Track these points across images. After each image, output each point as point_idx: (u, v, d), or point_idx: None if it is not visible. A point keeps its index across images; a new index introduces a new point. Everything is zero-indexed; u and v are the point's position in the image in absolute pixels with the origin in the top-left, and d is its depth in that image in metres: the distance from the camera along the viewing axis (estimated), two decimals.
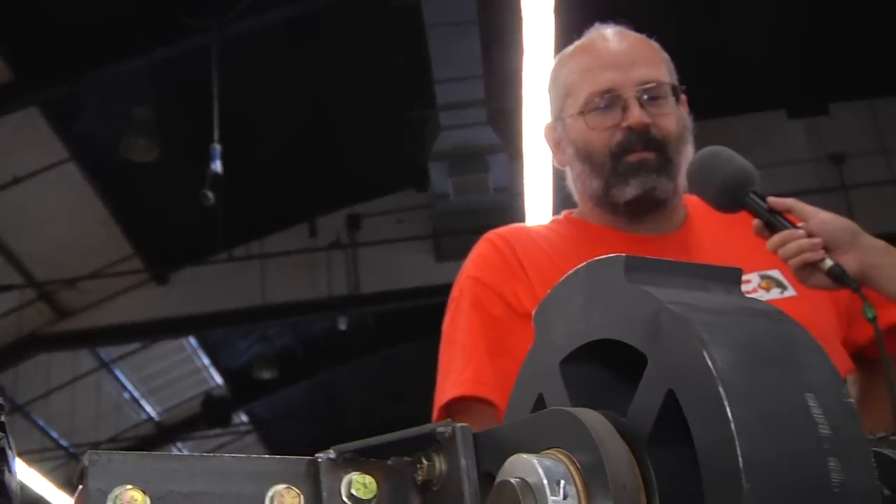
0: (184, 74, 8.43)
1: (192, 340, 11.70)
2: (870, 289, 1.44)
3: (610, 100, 1.64)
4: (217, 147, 7.01)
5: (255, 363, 11.71)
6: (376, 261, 10.59)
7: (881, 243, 1.46)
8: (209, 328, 10.93)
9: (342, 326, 10.89)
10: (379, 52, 8.71)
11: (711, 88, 8.26)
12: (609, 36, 1.74)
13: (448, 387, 1.54)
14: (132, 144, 8.33)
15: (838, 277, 1.41)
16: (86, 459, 0.67)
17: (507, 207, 9.57)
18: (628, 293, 0.64)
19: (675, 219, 1.72)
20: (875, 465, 0.58)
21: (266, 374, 11.65)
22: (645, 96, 1.64)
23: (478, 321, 1.59)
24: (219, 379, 12.63)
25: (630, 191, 1.62)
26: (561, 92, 1.73)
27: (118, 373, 11.63)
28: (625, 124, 1.62)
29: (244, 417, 13.78)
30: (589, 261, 0.69)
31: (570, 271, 0.71)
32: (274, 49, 8.70)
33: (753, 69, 9.65)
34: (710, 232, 1.70)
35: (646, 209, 1.65)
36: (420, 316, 10.88)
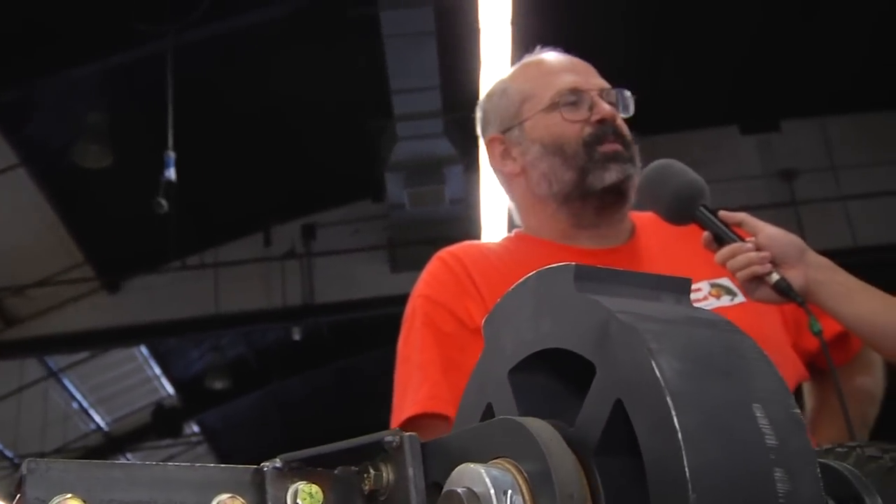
0: (138, 81, 8.35)
1: (144, 349, 11.55)
2: (812, 304, 1.46)
3: (577, 97, 1.67)
4: (171, 154, 6.95)
5: (208, 373, 11.59)
6: (331, 271, 10.55)
7: (826, 261, 1.49)
8: (161, 337, 10.80)
9: (296, 336, 10.82)
10: (336, 62, 8.69)
11: (664, 104, 8.35)
12: (556, 53, 1.79)
13: (405, 405, 1.54)
14: (85, 150, 8.23)
15: (784, 291, 1.43)
16: (24, 468, 0.65)
17: (463, 219, 9.59)
18: (577, 302, 0.63)
19: (623, 231, 1.73)
20: (821, 477, 0.58)
21: (218, 384, 11.53)
22: (605, 99, 1.68)
23: (431, 339, 1.59)
24: (170, 389, 12.48)
25: (609, 176, 1.64)
26: (515, 100, 1.74)
27: (66, 382, 11.44)
28: (595, 118, 1.66)
29: (195, 428, 13.62)
30: (539, 269, 0.69)
31: (519, 281, 0.71)
32: (230, 57, 8.65)
33: (706, 85, 9.77)
34: (658, 244, 1.72)
35: (612, 202, 1.67)
36: (375, 326, 10.85)
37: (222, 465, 0.73)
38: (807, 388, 1.79)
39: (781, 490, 0.55)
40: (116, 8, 7.44)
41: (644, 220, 1.78)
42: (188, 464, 0.72)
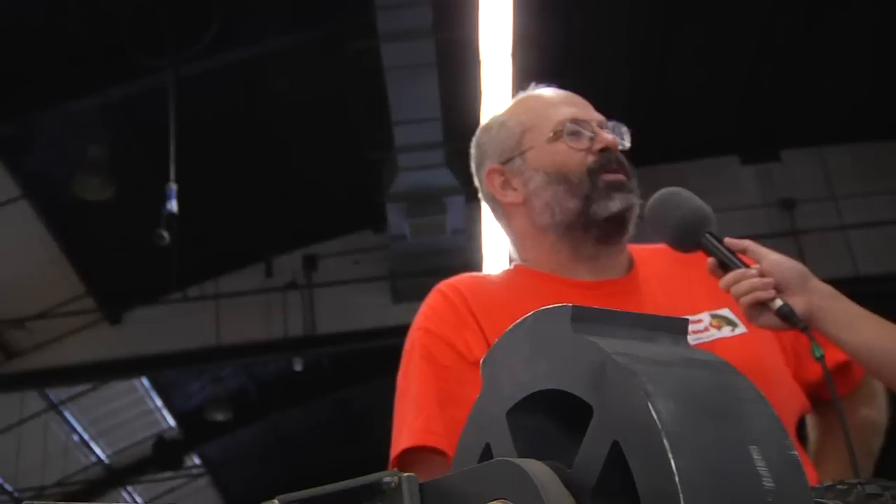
0: (139, 113, 8.39)
1: (145, 381, 11.53)
2: (815, 331, 1.47)
3: (579, 127, 1.68)
4: (173, 186, 6.97)
5: (209, 405, 11.56)
6: (332, 302, 10.54)
7: (829, 288, 1.50)
8: (162, 369, 10.78)
9: (297, 367, 10.80)
10: (337, 94, 8.74)
11: (665, 134, 8.38)
12: (552, 88, 1.82)
13: (401, 439, 1.54)
14: (86, 183, 8.25)
15: (787, 317, 1.44)
16: None
17: (464, 249, 9.59)
18: (574, 343, 0.64)
19: (622, 263, 1.74)
20: None
21: (219, 416, 11.49)
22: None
23: (429, 372, 1.59)
24: (171, 421, 12.43)
25: (614, 205, 1.65)
26: (516, 131, 1.75)
27: (67, 414, 11.41)
28: (598, 146, 1.67)
29: (196, 460, 13.56)
30: (535, 310, 0.69)
31: (517, 321, 0.71)
32: (230, 89, 8.70)
33: (706, 116, 9.81)
34: (656, 276, 1.72)
35: (614, 231, 1.68)
36: (376, 357, 10.82)
37: None
38: (810, 421, 1.79)
39: None
40: (117, 41, 7.49)
41: (643, 252, 1.79)
42: None
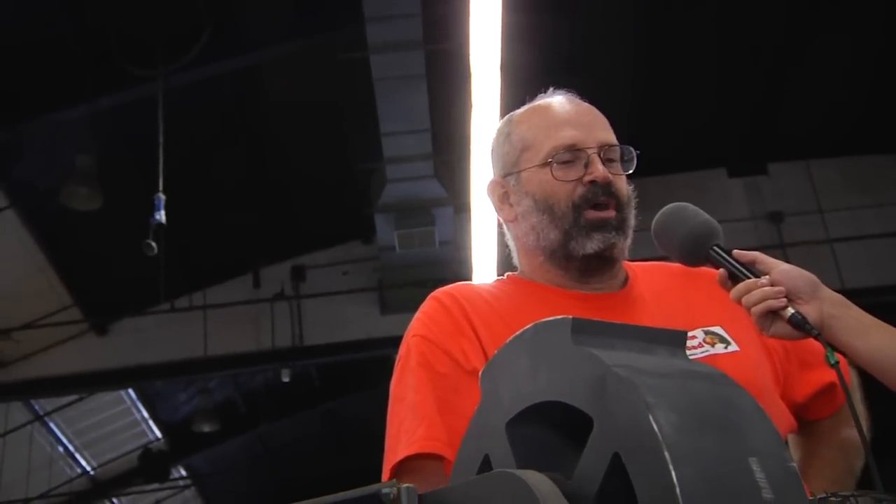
0: (128, 124, 8.37)
1: (131, 392, 11.47)
2: (827, 338, 1.48)
3: (573, 155, 1.67)
4: (161, 197, 6.94)
5: (195, 416, 11.50)
6: (321, 313, 10.52)
7: (839, 296, 1.52)
8: (149, 380, 10.73)
9: (285, 378, 10.77)
10: (326, 105, 8.74)
11: (653, 147, 8.39)
12: (565, 100, 1.78)
13: (398, 447, 1.52)
14: (74, 193, 8.22)
15: (799, 325, 1.45)
16: None
17: (453, 260, 9.60)
18: (574, 355, 0.64)
19: (616, 282, 1.74)
20: None
21: (206, 427, 11.43)
22: (604, 156, 1.68)
23: (426, 379, 1.58)
24: (157, 432, 12.37)
25: (591, 245, 1.64)
26: (517, 147, 1.75)
27: (52, 426, 11.33)
28: (588, 178, 1.66)
29: (183, 471, 13.49)
30: (535, 322, 0.69)
31: (517, 333, 0.71)
32: (220, 100, 8.69)
33: (695, 129, 9.85)
34: (652, 291, 1.73)
35: (598, 266, 1.68)
36: (364, 368, 10.83)
37: None
38: (793, 441, 1.80)
39: None
40: (106, 51, 7.48)
41: (638, 269, 1.79)
42: None
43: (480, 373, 0.73)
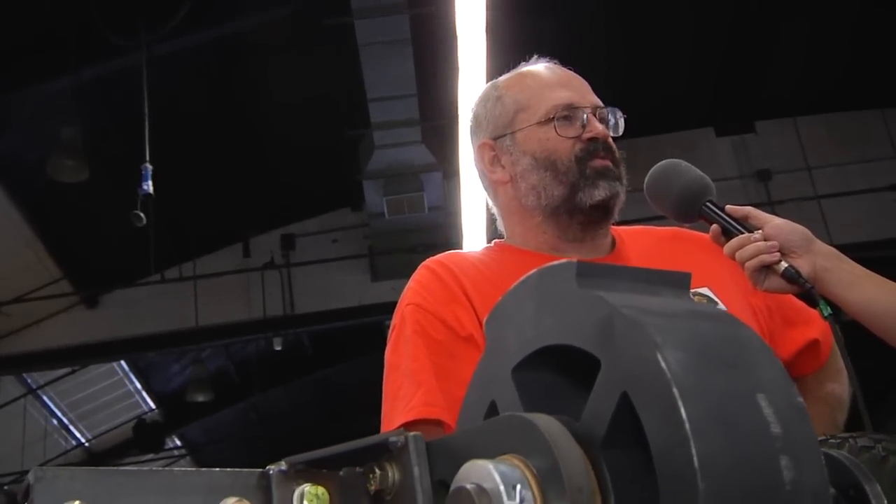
0: (113, 94, 8.31)
1: (124, 364, 11.48)
2: (819, 292, 1.49)
3: (571, 113, 1.69)
4: (149, 167, 6.91)
5: (189, 386, 11.53)
6: (311, 281, 10.53)
7: (832, 249, 1.53)
8: (141, 352, 10.73)
9: (277, 347, 10.79)
10: (312, 72, 8.68)
11: (641, 107, 8.37)
12: (553, 66, 1.81)
13: (397, 413, 1.53)
14: (60, 165, 8.17)
15: (793, 278, 1.46)
16: (31, 476, 0.65)
17: (442, 226, 9.60)
18: (580, 298, 0.64)
19: (606, 244, 1.76)
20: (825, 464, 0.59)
21: (199, 397, 11.46)
22: (597, 117, 1.71)
23: (422, 346, 1.59)
24: (151, 403, 12.41)
25: (599, 193, 1.66)
26: (510, 108, 1.76)
27: (46, 399, 11.35)
28: (588, 135, 1.68)
29: (177, 441, 13.55)
30: (539, 268, 0.69)
31: (520, 279, 0.71)
32: (204, 69, 8.63)
33: (681, 88, 9.83)
34: (638, 255, 1.75)
35: (598, 219, 1.70)
36: (356, 336, 10.84)
37: (228, 470, 0.73)
38: None
39: (787, 477, 0.56)
40: (89, 22, 7.40)
41: (626, 233, 1.81)
42: (193, 469, 0.72)
43: (485, 320, 0.73)
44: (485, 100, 1.83)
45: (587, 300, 0.63)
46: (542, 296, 0.68)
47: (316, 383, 12.61)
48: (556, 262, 0.67)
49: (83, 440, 12.34)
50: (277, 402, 12.83)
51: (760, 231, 1.51)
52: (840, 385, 1.80)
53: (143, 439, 12.32)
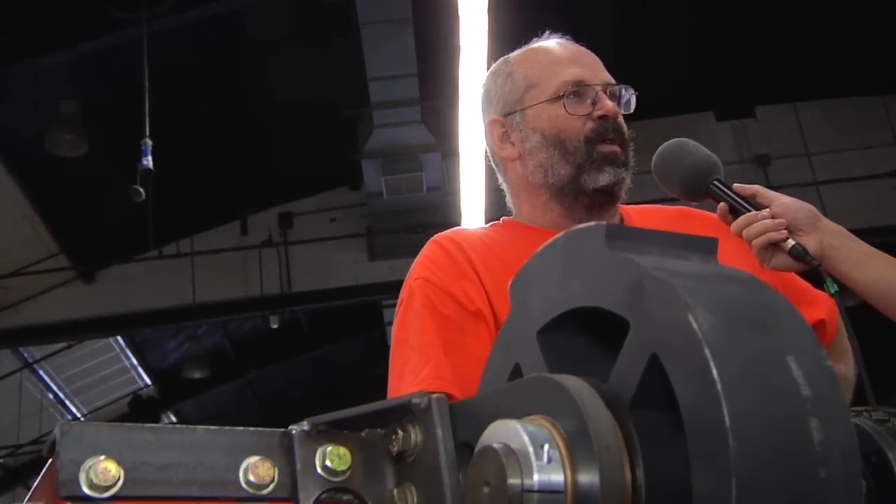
0: (112, 68, 8.27)
1: (120, 340, 11.48)
2: (826, 269, 1.49)
3: (582, 90, 1.68)
4: (148, 142, 6.87)
5: (185, 363, 11.54)
6: (309, 259, 10.52)
7: (839, 227, 1.53)
8: (137, 327, 10.74)
9: (274, 325, 10.80)
10: (312, 50, 8.64)
11: (640, 90, 8.34)
12: (564, 41, 1.80)
13: (404, 387, 1.53)
14: (58, 139, 8.13)
15: (800, 256, 1.46)
16: (57, 431, 0.65)
17: (441, 206, 9.59)
18: (610, 260, 0.64)
19: (615, 220, 1.76)
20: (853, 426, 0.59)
21: (196, 374, 11.48)
22: (608, 95, 1.70)
23: (430, 320, 1.58)
24: (147, 379, 12.42)
25: (603, 178, 1.66)
26: (520, 84, 1.75)
27: (42, 373, 11.36)
28: (598, 113, 1.67)
29: (173, 418, 13.57)
30: (566, 231, 0.69)
31: (547, 242, 0.71)
32: (204, 44, 8.58)
33: (681, 73, 9.81)
34: None
35: (603, 202, 1.70)
36: (352, 314, 10.85)
37: (251, 429, 0.73)
38: None
39: (817, 438, 0.56)
40: None
41: (634, 212, 1.81)
42: (217, 427, 0.72)
43: (510, 283, 0.73)
44: (495, 75, 1.82)
45: (617, 262, 0.63)
46: (569, 258, 0.68)
47: (312, 361, 12.64)
48: (584, 225, 0.67)
49: (79, 415, 12.35)
50: (274, 380, 12.86)
51: (768, 209, 1.51)
52: (846, 365, 1.80)
53: (139, 415, 12.33)
